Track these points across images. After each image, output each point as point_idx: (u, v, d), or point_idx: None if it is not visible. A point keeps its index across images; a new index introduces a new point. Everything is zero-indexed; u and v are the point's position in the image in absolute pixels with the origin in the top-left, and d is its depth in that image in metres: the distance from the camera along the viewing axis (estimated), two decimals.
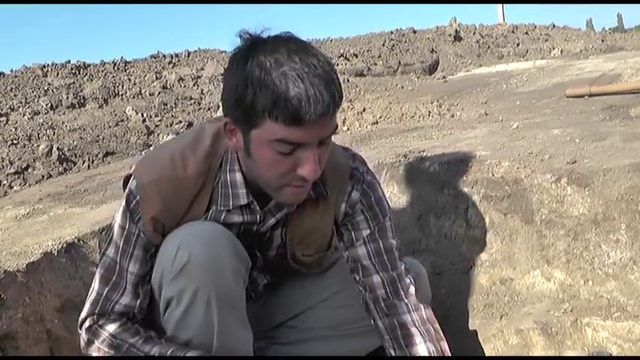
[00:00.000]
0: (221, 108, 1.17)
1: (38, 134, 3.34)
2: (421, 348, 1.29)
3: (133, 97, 4.03)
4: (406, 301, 1.34)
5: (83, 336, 1.25)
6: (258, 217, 1.27)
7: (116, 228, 1.22)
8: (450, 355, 1.32)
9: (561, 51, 5.79)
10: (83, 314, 1.25)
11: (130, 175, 1.24)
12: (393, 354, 1.32)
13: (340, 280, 1.50)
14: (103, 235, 1.88)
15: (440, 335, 1.34)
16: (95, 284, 1.24)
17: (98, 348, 1.22)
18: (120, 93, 4.07)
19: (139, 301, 1.23)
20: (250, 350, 1.30)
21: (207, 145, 1.21)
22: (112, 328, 1.22)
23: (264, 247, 1.34)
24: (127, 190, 1.22)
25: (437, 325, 1.35)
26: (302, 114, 1.00)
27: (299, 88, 1.00)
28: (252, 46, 1.07)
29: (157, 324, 1.26)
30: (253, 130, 1.07)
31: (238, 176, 1.21)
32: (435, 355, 1.29)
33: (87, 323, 1.24)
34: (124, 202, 1.21)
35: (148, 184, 1.19)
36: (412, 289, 1.35)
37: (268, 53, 1.04)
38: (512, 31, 6.96)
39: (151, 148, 1.31)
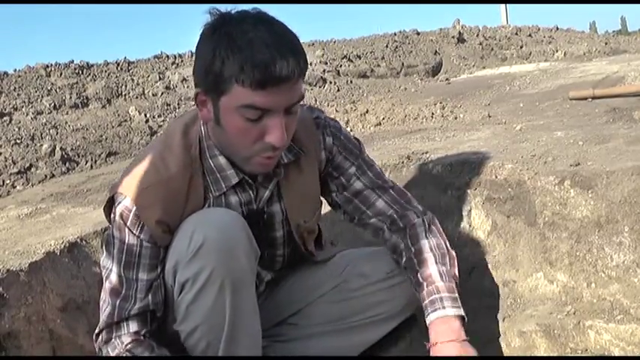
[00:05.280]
0: (193, 81, 1.20)
1: (41, 134, 3.34)
2: (433, 269, 1.36)
3: (136, 98, 4.04)
4: (414, 209, 1.45)
5: (102, 349, 1.26)
6: (252, 193, 1.29)
7: (116, 243, 1.23)
8: (456, 270, 1.41)
9: (564, 53, 5.78)
10: (100, 327, 1.26)
11: (112, 197, 1.26)
12: (412, 275, 1.39)
13: (337, 276, 1.52)
14: (105, 235, 1.88)
15: (447, 249, 1.42)
16: (106, 296, 1.25)
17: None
18: (123, 93, 4.08)
19: (150, 298, 1.24)
20: (259, 337, 1.32)
21: (180, 139, 1.24)
22: (126, 340, 1.23)
23: (268, 227, 1.37)
24: (116, 209, 1.22)
25: (444, 237, 1.45)
26: (267, 77, 1.05)
27: (264, 54, 1.05)
28: (220, 20, 1.13)
29: (169, 332, 1.28)
30: (222, 97, 1.11)
31: (222, 159, 1.24)
32: (444, 274, 1.36)
33: (104, 335, 1.25)
34: (118, 219, 1.21)
35: (139, 194, 1.20)
36: (412, 199, 1.48)
37: (235, 24, 1.10)
38: (516, 33, 6.96)
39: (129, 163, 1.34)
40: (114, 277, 1.24)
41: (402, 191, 1.47)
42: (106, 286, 1.26)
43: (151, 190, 1.20)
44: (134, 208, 1.20)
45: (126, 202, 1.21)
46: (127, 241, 1.22)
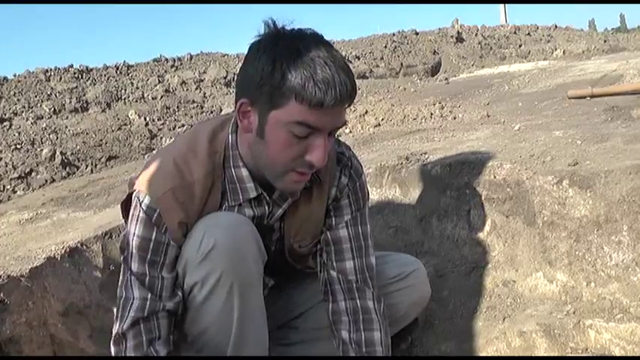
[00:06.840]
0: (237, 90, 1.19)
1: (41, 139, 3.35)
2: (376, 335, 1.35)
3: (136, 101, 4.05)
4: (373, 290, 1.39)
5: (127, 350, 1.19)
6: (267, 209, 1.29)
7: (138, 242, 1.21)
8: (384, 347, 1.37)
9: (563, 52, 5.79)
10: (126, 324, 1.20)
11: (131, 193, 1.25)
12: (346, 336, 1.35)
13: None
14: (106, 239, 1.89)
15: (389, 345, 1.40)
16: (131, 292, 1.21)
17: None
18: (122, 97, 4.08)
19: (176, 297, 1.24)
20: (266, 340, 1.33)
21: (206, 145, 1.24)
22: (164, 351, 1.20)
23: (266, 242, 1.36)
24: (139, 206, 1.21)
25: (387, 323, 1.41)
26: (327, 97, 1.05)
27: (326, 73, 1.05)
28: (279, 34, 1.12)
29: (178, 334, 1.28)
30: (274, 110, 1.10)
31: (244, 171, 1.24)
32: (384, 344, 1.35)
33: (131, 334, 1.19)
34: (143, 216, 1.20)
35: (163, 196, 1.20)
36: (374, 278, 1.41)
37: (298, 39, 1.09)
38: (515, 32, 6.97)
39: (147, 159, 1.32)
40: (138, 274, 1.21)
41: (372, 266, 1.41)
42: (129, 282, 1.22)
43: (174, 192, 1.20)
44: (158, 208, 1.20)
45: (148, 202, 1.20)
46: (152, 238, 1.21)
